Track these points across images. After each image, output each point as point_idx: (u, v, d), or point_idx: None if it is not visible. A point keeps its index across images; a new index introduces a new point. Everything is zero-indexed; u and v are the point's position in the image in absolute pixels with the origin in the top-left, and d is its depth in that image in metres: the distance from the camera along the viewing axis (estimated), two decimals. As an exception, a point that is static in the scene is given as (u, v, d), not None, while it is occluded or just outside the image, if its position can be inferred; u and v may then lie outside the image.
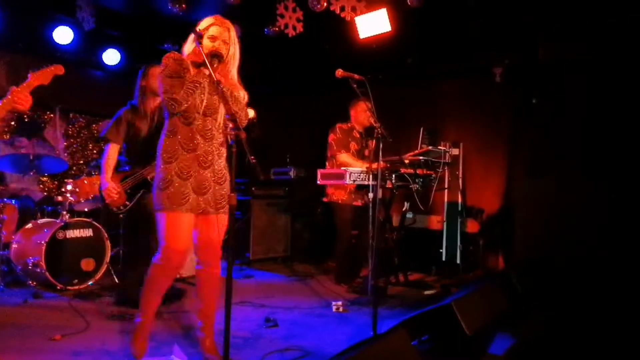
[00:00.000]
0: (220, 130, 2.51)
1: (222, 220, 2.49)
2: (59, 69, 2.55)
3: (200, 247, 2.55)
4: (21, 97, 2.33)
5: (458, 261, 5.08)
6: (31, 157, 4.21)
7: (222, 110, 2.48)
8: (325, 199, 4.62)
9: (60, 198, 4.33)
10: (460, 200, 5.22)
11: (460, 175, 5.26)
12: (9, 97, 2.31)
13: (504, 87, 5.07)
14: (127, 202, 3.52)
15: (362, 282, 4.40)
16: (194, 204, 2.42)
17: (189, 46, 2.50)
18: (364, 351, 1.71)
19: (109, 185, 3.47)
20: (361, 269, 4.67)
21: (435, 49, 5.14)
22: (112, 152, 3.54)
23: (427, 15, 4.47)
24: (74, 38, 5.33)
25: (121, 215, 3.64)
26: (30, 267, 3.92)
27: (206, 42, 2.42)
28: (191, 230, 2.47)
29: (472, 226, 5.21)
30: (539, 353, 2.67)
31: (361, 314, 3.61)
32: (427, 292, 4.32)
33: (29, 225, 4.20)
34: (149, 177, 3.47)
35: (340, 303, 3.73)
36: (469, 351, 2.37)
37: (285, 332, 3.16)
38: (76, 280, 4.05)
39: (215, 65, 2.34)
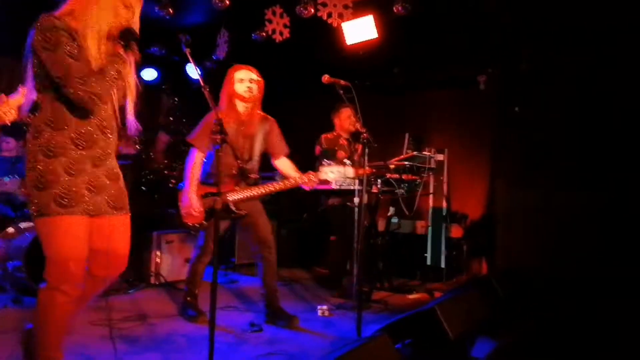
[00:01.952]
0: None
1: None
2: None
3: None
4: (6, 109, 2.21)
5: (442, 266, 5.13)
6: (13, 160, 4.16)
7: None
8: (320, 209, 4.59)
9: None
10: (444, 205, 5.27)
11: (445, 181, 5.32)
12: None
13: (488, 95, 5.16)
14: (204, 222, 3.26)
15: (346, 287, 4.40)
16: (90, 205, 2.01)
17: None
18: (346, 354, 1.72)
19: (194, 204, 3.18)
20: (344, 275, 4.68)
21: (421, 56, 5.21)
22: (199, 160, 3.26)
23: (413, 23, 4.53)
24: None
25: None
26: (10, 272, 3.85)
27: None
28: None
29: (456, 231, 5.27)
30: (519, 357, 2.71)
31: (346, 318, 3.62)
32: (411, 297, 4.35)
33: (10, 229, 4.13)
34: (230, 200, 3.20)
35: (325, 307, 3.74)
36: (452, 355, 2.40)
37: (270, 336, 3.15)
38: (58, 285, 3.99)
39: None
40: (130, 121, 2.19)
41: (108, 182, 2.09)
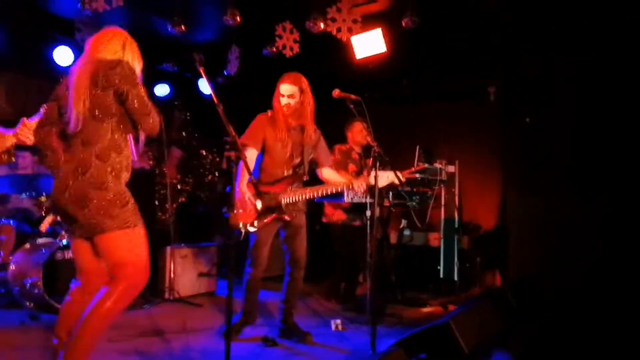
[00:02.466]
0: None
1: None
2: None
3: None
4: (27, 132, 2.21)
5: (455, 278, 5.10)
6: (31, 177, 4.23)
7: None
8: (324, 219, 4.62)
9: (59, 218, 4.33)
10: (456, 217, 5.26)
11: (457, 193, 5.31)
12: (18, 130, 2.19)
13: (498, 105, 5.16)
14: (255, 223, 3.17)
15: (358, 301, 4.40)
16: None
17: None
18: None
19: (247, 196, 3.11)
20: (356, 288, 4.68)
21: (429, 69, 5.25)
22: (252, 157, 3.22)
23: (421, 36, 4.57)
24: (74, 59, 5.39)
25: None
26: (27, 288, 3.90)
27: None
28: None
29: (469, 243, 5.24)
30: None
31: (360, 332, 3.61)
32: (425, 310, 4.33)
33: (27, 246, 4.20)
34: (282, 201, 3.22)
35: (339, 321, 3.74)
36: (467, 369, 2.38)
37: (284, 350, 3.16)
38: (74, 301, 4.04)
39: None
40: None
41: None
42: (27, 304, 3.94)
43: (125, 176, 2.31)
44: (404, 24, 4.30)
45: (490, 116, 5.32)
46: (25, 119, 2.19)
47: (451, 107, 5.66)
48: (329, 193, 3.31)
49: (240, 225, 3.13)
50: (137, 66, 2.40)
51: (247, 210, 3.14)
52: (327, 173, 3.49)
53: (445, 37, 4.68)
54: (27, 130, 2.18)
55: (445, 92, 5.55)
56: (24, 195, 4.43)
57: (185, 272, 4.77)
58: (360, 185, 3.27)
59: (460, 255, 5.15)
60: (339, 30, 4.48)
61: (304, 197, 3.27)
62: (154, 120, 2.30)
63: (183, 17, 4.51)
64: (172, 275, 4.66)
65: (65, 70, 5.35)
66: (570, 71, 4.66)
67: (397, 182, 3.26)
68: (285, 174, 3.30)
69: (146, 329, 3.58)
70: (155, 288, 4.70)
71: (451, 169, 5.26)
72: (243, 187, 3.14)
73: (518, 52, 4.76)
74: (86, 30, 4.73)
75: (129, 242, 2.24)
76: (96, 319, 2.14)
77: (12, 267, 4.06)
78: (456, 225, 5.23)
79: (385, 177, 3.23)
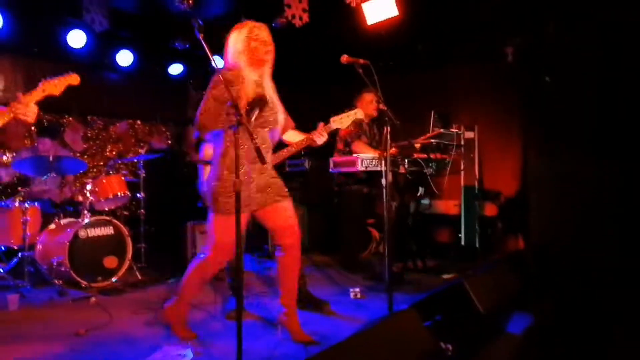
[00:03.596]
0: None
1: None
2: (73, 79, 2.40)
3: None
4: (23, 108, 2.17)
5: (477, 245, 5.04)
6: (51, 159, 4.31)
7: None
8: (336, 188, 4.62)
9: (80, 198, 4.44)
10: (476, 183, 5.17)
11: (476, 159, 5.21)
12: (12, 106, 2.16)
13: (517, 67, 4.99)
14: None
15: (377, 270, 4.40)
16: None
17: None
18: (373, 329, 1.73)
19: None
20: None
21: (444, 31, 5.09)
22: None
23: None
24: (87, 41, 5.42)
25: None
26: (55, 267, 4.03)
27: None
28: None
29: (490, 209, 5.16)
30: (554, 333, 2.64)
31: (378, 300, 3.62)
32: (445, 277, 4.30)
33: (52, 226, 4.32)
34: None
35: (357, 290, 3.75)
36: (484, 330, 2.36)
37: (302, 319, 3.17)
38: (100, 278, 4.16)
39: None
40: None
41: (269, 181, 2.73)
42: (55, 281, 4.08)
43: None
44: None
45: (509, 79, 5.15)
46: (20, 94, 2.18)
47: (469, 71, 5.50)
48: (294, 152, 3.24)
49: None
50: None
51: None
52: (289, 135, 3.33)
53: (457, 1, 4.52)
54: (22, 106, 2.16)
55: (460, 55, 5.38)
56: (46, 177, 4.53)
57: (206, 247, 4.84)
58: (321, 133, 3.06)
59: (481, 222, 5.08)
60: (348, -4, 4.38)
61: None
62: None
63: (190, -9, 4.47)
64: (193, 251, 4.73)
65: (78, 53, 5.48)
66: (592, 31, 4.45)
67: (361, 117, 3.18)
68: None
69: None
70: (177, 264, 4.80)
71: (470, 134, 5.15)
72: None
73: (537, 10, 4.56)
74: (94, 10, 4.74)
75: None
76: None
77: (39, 246, 4.20)
78: (476, 192, 5.15)
79: (346, 118, 3.12)
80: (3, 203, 4.23)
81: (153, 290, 4.13)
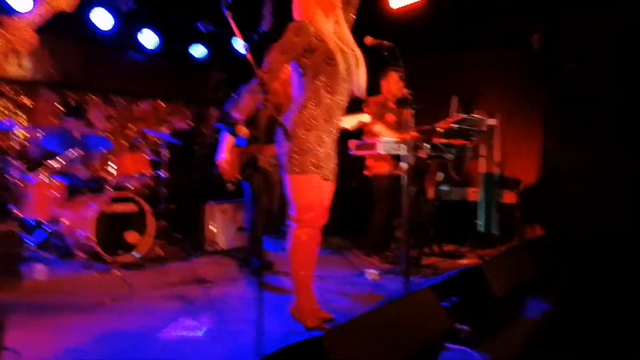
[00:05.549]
0: None
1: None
2: None
3: None
4: (21, 33, 1.82)
5: (495, 232, 5.02)
6: (77, 136, 4.42)
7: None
8: (365, 172, 4.57)
9: (105, 175, 4.54)
10: (496, 171, 5.13)
11: (497, 145, 5.16)
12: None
13: (541, 54, 4.90)
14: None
15: (395, 254, 4.42)
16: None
17: None
18: (391, 306, 1.76)
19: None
20: (391, 242, 4.67)
21: (469, 16, 5.01)
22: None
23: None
24: (114, 23, 5.46)
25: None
26: (80, 240, 4.15)
27: None
28: None
29: (509, 197, 5.12)
30: (570, 320, 2.64)
31: (395, 282, 3.65)
32: (462, 262, 4.31)
33: (78, 201, 4.44)
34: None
35: (374, 271, 3.79)
36: (500, 314, 2.38)
37: (318, 298, 3.22)
38: (121, 252, 4.27)
39: None
40: None
41: (333, 154, 2.60)
42: (80, 254, 4.20)
43: None
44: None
45: (534, 65, 5.07)
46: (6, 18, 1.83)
47: (493, 57, 5.42)
48: None
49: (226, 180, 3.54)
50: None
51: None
52: None
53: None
54: (19, 31, 1.81)
55: (484, 40, 5.30)
56: (72, 152, 4.63)
57: (226, 227, 4.93)
58: None
59: (500, 209, 5.05)
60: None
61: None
62: None
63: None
64: (213, 229, 4.82)
65: (103, 32, 5.54)
66: (618, 21, 4.34)
67: (366, 121, 3.25)
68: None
69: (188, 277, 3.75)
70: (197, 241, 4.90)
71: (492, 121, 5.09)
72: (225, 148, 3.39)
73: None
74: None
75: None
76: None
77: (64, 220, 4.32)
78: (496, 179, 5.11)
79: (353, 119, 3.18)
80: (31, 178, 4.35)
81: (172, 266, 4.23)
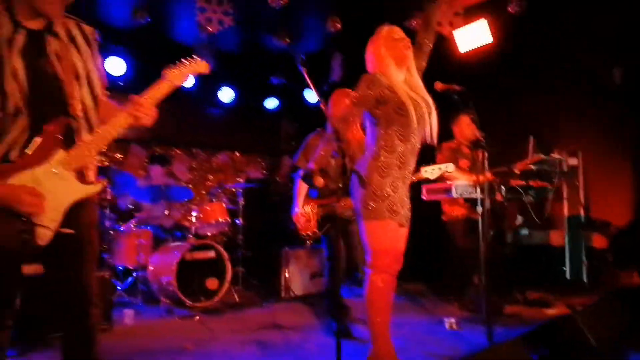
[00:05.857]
0: None
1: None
2: (203, 66, 2.06)
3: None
4: (145, 109, 1.86)
5: (584, 279, 4.67)
6: (162, 187, 4.73)
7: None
8: (444, 218, 4.47)
9: (186, 223, 4.79)
10: (582, 212, 4.83)
11: (581, 186, 4.88)
12: (130, 108, 1.84)
13: (624, 89, 4.67)
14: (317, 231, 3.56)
15: (473, 301, 4.22)
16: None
17: None
18: (476, 355, 1.68)
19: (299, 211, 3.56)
20: (469, 288, 4.47)
21: (542, 54, 4.90)
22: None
23: (529, 20, 4.32)
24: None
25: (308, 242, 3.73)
26: (163, 286, 4.36)
27: None
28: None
29: (599, 241, 4.77)
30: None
31: (475, 331, 3.47)
32: (549, 311, 4.03)
33: (162, 249, 4.70)
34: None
35: (452, 320, 3.63)
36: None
37: (396, 347, 3.14)
38: (202, 298, 4.42)
39: None
40: None
41: (407, 200, 2.58)
42: (164, 299, 4.40)
43: None
44: (510, 10, 4.11)
45: (617, 101, 4.83)
46: (133, 96, 1.89)
47: (571, 95, 5.22)
48: None
49: (303, 236, 3.58)
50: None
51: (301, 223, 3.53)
52: None
53: (556, 20, 4.37)
54: (142, 108, 1.86)
55: (560, 77, 5.13)
56: (156, 204, 4.95)
57: (300, 273, 4.97)
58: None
59: (589, 254, 4.71)
60: (439, 24, 4.40)
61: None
62: None
63: (287, 30, 4.75)
64: (287, 275, 4.88)
65: (186, 90, 6.00)
66: None
67: (451, 170, 3.17)
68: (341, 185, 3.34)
69: (265, 323, 3.80)
70: (272, 287, 4.97)
71: (573, 161, 4.86)
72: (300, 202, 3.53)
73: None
74: (203, 53, 5.18)
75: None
76: None
77: (150, 267, 4.57)
78: (582, 222, 4.80)
79: (437, 169, 3.12)
80: (122, 228, 4.69)
81: (249, 311, 4.31)
